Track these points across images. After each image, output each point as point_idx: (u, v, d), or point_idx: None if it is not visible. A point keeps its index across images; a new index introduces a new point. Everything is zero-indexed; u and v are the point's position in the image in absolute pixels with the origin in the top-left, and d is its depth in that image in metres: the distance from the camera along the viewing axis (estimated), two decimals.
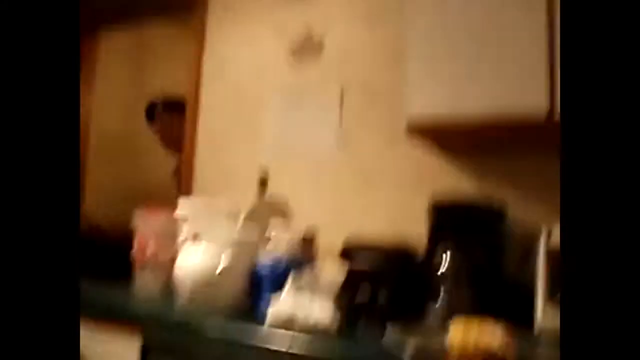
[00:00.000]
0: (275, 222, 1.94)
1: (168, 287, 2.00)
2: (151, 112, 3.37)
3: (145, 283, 2.07)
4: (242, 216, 1.83)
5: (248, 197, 2.19)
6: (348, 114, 2.21)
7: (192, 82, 2.62)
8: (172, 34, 4.33)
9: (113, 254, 3.48)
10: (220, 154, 2.50)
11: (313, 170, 2.25)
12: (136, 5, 3.00)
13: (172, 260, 2.00)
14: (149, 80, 4.47)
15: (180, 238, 1.71)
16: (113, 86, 4.06)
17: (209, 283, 1.58)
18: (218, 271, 1.57)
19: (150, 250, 2.04)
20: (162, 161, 4.32)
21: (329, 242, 1.94)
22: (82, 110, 3.30)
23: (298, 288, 1.49)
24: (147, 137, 4.36)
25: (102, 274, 3.46)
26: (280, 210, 2.02)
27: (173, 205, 2.40)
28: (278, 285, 1.55)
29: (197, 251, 1.63)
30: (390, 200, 2.10)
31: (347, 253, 1.73)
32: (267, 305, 1.57)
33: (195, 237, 1.65)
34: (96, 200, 3.75)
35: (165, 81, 4.44)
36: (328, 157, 2.23)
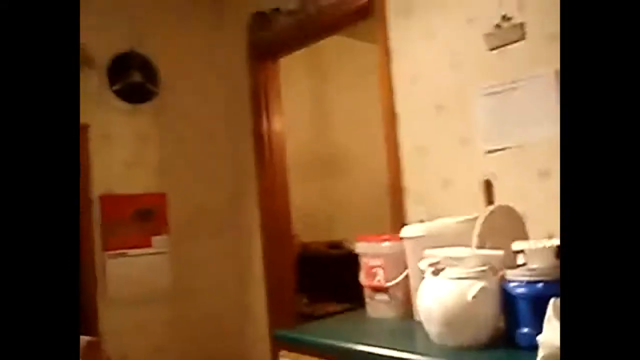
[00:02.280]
0: (514, 232, 1.78)
1: (404, 315, 1.94)
2: None
3: (378, 311, 2.01)
4: (476, 230, 1.68)
5: (470, 208, 2.03)
6: None
7: (384, 92, 2.51)
8: (348, 45, 4.33)
9: (328, 273, 3.57)
10: (430, 165, 2.36)
11: (537, 165, 2.03)
12: (310, 24, 2.98)
13: (405, 286, 1.93)
14: (331, 94, 4.50)
15: (419, 266, 1.60)
16: (299, 105, 4.13)
17: (461, 312, 1.46)
18: (471, 296, 1.44)
19: (380, 277, 1.98)
20: (363, 177, 4.36)
21: None
22: (277, 131, 3.38)
23: None
24: (343, 153, 4.41)
25: (318, 293, 3.57)
26: (514, 217, 1.84)
27: (390, 226, 2.33)
28: (538, 306, 1.39)
29: (441, 279, 1.52)
30: None
31: None
32: (529, 331, 1.42)
33: (436, 264, 1.54)
34: (301, 219, 3.82)
35: (347, 93, 4.46)
36: (555, 149, 2.00)
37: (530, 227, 1.85)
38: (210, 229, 3.45)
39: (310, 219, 4.14)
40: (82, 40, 3.02)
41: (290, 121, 3.55)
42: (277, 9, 3.16)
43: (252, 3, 3.34)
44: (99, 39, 3.15)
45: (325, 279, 3.76)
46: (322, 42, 3.28)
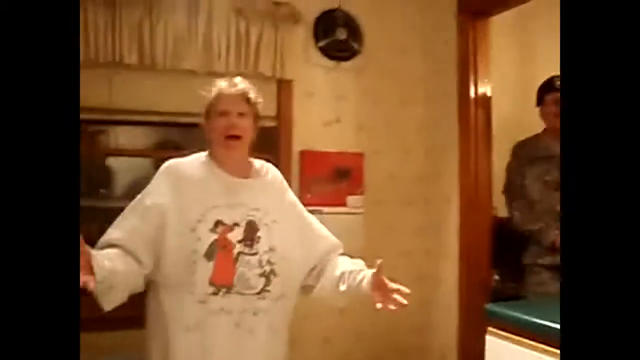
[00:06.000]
0: None
1: None
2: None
3: None
4: None
5: None
6: None
7: None
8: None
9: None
10: None
11: None
12: None
13: None
14: (539, 61, 4.14)
15: None
16: (506, 69, 3.85)
17: None
18: None
19: None
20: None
21: None
22: (484, 97, 3.16)
23: None
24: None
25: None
26: None
27: None
28: None
29: None
30: None
31: None
32: None
33: None
34: (499, 192, 3.57)
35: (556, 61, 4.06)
36: None
37: None
38: (403, 195, 3.34)
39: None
40: None
41: (494, 88, 3.30)
42: None
43: None
44: None
45: (517, 258, 3.48)
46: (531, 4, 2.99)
